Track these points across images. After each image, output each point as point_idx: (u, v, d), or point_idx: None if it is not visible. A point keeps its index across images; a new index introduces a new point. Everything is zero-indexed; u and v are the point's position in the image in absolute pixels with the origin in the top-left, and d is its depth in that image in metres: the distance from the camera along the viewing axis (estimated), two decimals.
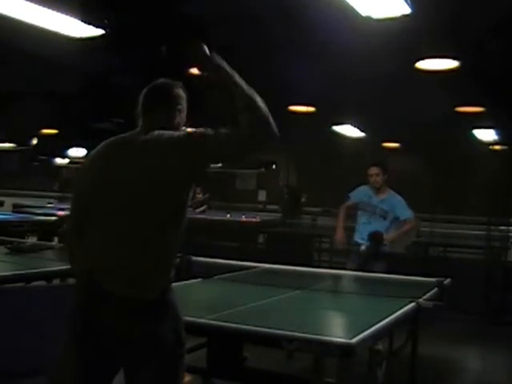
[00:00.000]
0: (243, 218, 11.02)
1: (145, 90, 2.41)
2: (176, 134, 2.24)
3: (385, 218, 5.59)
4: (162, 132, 2.23)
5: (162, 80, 2.43)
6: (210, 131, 2.15)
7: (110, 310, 2.10)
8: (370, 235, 5.46)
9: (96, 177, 2.27)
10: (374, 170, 5.68)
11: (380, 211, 5.61)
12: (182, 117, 2.41)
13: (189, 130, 2.30)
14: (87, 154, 2.38)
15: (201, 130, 2.18)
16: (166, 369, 2.15)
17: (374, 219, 5.61)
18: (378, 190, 5.69)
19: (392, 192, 5.73)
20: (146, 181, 2.14)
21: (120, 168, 2.21)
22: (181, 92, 2.42)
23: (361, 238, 5.60)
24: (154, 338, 2.11)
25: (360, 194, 5.78)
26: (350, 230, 5.82)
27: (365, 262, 5.35)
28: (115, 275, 2.11)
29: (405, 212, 5.64)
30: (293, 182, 14.11)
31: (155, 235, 2.13)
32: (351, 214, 5.95)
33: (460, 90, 7.82)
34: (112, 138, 2.34)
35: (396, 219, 5.62)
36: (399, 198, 5.69)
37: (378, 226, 5.56)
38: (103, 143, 2.34)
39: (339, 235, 5.68)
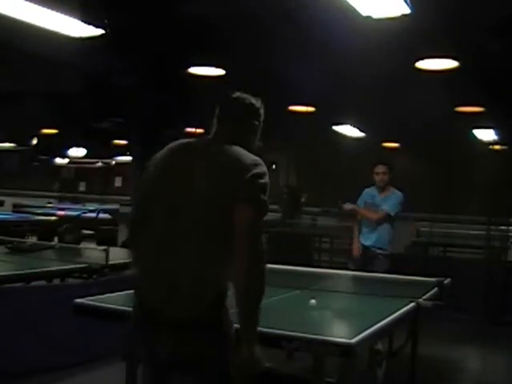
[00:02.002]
0: None
1: (223, 100, 2.37)
2: (242, 169, 2.10)
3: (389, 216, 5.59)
4: (231, 154, 2.15)
5: (241, 93, 2.37)
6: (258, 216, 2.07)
7: (158, 328, 2.06)
8: None
9: (157, 181, 2.22)
10: (381, 169, 5.66)
11: (382, 211, 5.59)
12: (257, 134, 2.37)
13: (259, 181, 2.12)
14: (152, 157, 2.33)
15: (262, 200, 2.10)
16: None
17: None
18: (382, 189, 5.68)
19: (394, 190, 5.72)
20: (199, 194, 2.09)
21: (180, 175, 2.17)
22: (260, 110, 2.37)
23: (364, 238, 5.60)
24: (199, 360, 2.04)
25: (364, 196, 5.78)
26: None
27: (365, 263, 5.35)
28: (163, 292, 2.05)
29: (391, 207, 5.60)
30: (293, 182, 14.11)
31: (204, 248, 2.05)
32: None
33: (460, 90, 7.82)
34: (178, 142, 2.30)
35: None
36: (398, 194, 5.68)
37: (384, 226, 5.55)
38: (169, 146, 2.30)
39: (355, 250, 5.68)
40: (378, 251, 5.51)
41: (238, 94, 2.36)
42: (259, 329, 2.14)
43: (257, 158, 2.17)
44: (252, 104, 2.34)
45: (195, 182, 2.10)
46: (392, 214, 5.56)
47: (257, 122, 2.36)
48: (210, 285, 2.05)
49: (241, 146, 2.20)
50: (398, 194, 5.67)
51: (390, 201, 5.59)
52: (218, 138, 2.27)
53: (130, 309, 2.36)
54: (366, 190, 5.81)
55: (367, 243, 5.58)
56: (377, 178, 5.67)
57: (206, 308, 2.03)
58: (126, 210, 8.14)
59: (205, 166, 2.13)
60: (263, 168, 2.15)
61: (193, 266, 2.04)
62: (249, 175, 2.07)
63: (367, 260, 5.45)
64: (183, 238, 2.06)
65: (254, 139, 2.36)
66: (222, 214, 2.04)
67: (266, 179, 2.13)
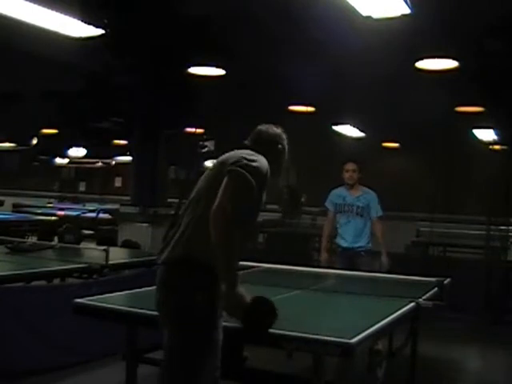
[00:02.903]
0: None
1: (259, 127, 2.76)
2: (233, 160, 2.42)
3: (362, 216, 5.55)
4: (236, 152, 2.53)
5: (274, 129, 2.76)
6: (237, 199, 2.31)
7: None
8: None
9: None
10: (350, 166, 5.59)
11: (357, 209, 5.57)
12: (274, 168, 2.58)
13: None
14: None
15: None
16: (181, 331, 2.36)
17: (352, 218, 5.54)
18: (351, 187, 5.60)
19: (365, 189, 5.67)
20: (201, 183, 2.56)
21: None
22: (281, 148, 2.75)
23: (343, 239, 5.56)
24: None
25: (334, 198, 5.69)
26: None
27: (351, 262, 5.30)
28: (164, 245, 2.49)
29: (378, 210, 5.60)
30: (293, 182, 14.11)
31: (193, 219, 2.43)
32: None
33: (460, 90, 7.82)
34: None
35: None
36: (373, 194, 5.64)
37: (357, 224, 5.53)
38: None
39: (323, 256, 5.64)
40: (361, 249, 5.49)
41: (271, 127, 2.76)
42: None
43: (263, 158, 2.50)
44: (276, 140, 2.73)
45: (208, 175, 2.55)
46: (381, 213, 5.58)
47: (273, 158, 2.63)
48: (187, 246, 2.39)
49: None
50: (373, 194, 5.64)
51: (370, 203, 5.56)
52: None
53: (130, 309, 2.37)
54: (334, 192, 5.73)
55: (346, 244, 5.52)
56: (346, 175, 5.60)
57: (178, 258, 2.38)
58: (126, 209, 8.13)
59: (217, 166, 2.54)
60: (262, 161, 2.45)
61: (181, 232, 2.44)
62: (241, 158, 2.39)
63: (350, 260, 5.40)
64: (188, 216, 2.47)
65: (277, 169, 2.68)
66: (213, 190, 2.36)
67: (258, 164, 2.40)
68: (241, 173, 2.32)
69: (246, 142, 2.71)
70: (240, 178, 2.32)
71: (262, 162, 2.46)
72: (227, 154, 2.53)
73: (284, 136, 2.77)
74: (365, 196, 5.60)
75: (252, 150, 2.57)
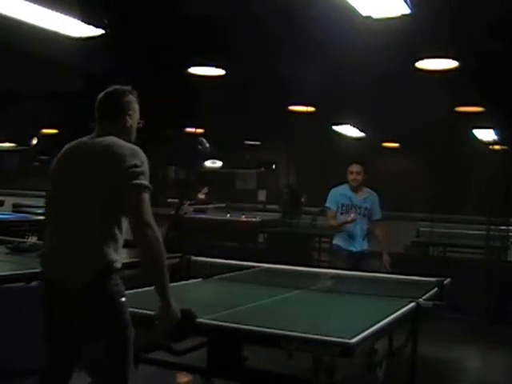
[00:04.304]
0: (243, 218, 11.02)
1: (98, 98, 2.60)
2: (114, 155, 2.38)
3: (367, 217, 5.53)
4: (111, 143, 2.43)
5: (112, 88, 2.61)
6: (142, 194, 2.34)
7: (52, 296, 2.39)
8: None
9: (54, 176, 2.57)
10: (355, 168, 5.53)
11: (364, 211, 5.52)
12: (134, 119, 2.62)
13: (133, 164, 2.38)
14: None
15: (139, 182, 2.34)
16: (102, 350, 2.30)
17: (359, 219, 5.49)
18: (356, 189, 5.55)
19: (369, 190, 5.65)
20: (84, 180, 2.41)
21: (70, 168, 2.50)
22: (131, 98, 2.61)
23: (351, 245, 5.47)
24: (88, 322, 2.30)
25: (337, 197, 5.59)
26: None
27: (357, 265, 5.26)
28: (53, 261, 2.40)
29: (378, 212, 5.59)
30: (293, 181, 14.11)
31: (86, 226, 2.37)
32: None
33: (460, 89, 7.83)
34: (72, 142, 2.59)
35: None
36: (376, 196, 5.63)
37: (363, 225, 5.51)
38: (65, 146, 2.60)
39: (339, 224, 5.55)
40: (366, 251, 5.49)
41: (108, 89, 2.60)
42: (259, 328, 2.27)
43: (133, 147, 2.45)
44: (123, 95, 2.59)
45: (79, 173, 2.44)
46: (380, 216, 5.57)
47: (130, 112, 2.60)
48: (91, 259, 2.33)
49: (118, 136, 2.49)
50: (375, 195, 5.63)
51: (373, 205, 5.55)
52: (100, 131, 2.54)
53: (130, 309, 2.37)
54: (336, 190, 5.63)
55: (356, 249, 5.49)
56: (350, 177, 5.54)
57: (90, 277, 2.29)
58: None
59: (86, 159, 2.44)
60: (140, 155, 2.42)
61: (77, 245, 2.36)
62: (127, 165, 2.35)
63: (357, 263, 5.37)
64: (70, 224, 2.41)
65: (133, 125, 2.62)
66: (101, 200, 2.37)
67: (144, 166, 2.40)
68: (140, 186, 2.34)
69: (97, 127, 2.57)
70: (141, 190, 2.34)
71: (137, 154, 2.41)
72: (103, 149, 2.43)
73: (121, 90, 2.61)
74: (370, 197, 5.58)
75: (110, 124, 2.53)
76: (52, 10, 4.92)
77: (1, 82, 9.18)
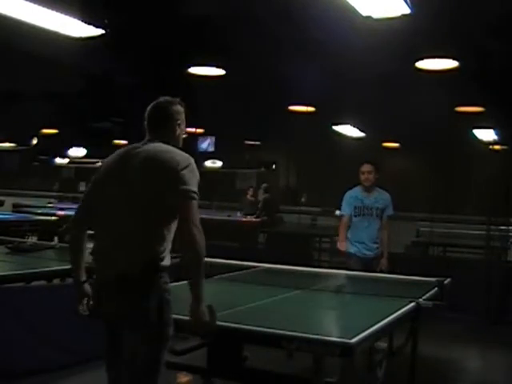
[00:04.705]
0: (243, 218, 11.02)
1: (148, 109, 2.74)
2: (169, 162, 2.48)
3: (379, 217, 5.52)
4: (160, 151, 2.55)
5: (162, 99, 2.75)
6: (192, 202, 2.43)
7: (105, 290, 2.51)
8: None
9: (102, 180, 2.64)
10: (367, 168, 5.51)
11: (376, 211, 5.51)
12: (182, 128, 2.76)
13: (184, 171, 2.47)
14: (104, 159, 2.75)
15: (190, 192, 2.43)
16: (143, 342, 2.41)
17: (372, 220, 5.49)
18: (368, 189, 5.53)
19: (380, 190, 5.63)
20: (131, 188, 2.51)
21: (123, 172, 2.56)
22: (179, 108, 2.75)
23: (365, 248, 5.46)
24: (135, 312, 2.42)
25: (351, 200, 5.56)
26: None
27: (367, 267, 5.25)
28: (107, 259, 2.51)
29: (391, 210, 5.58)
30: (293, 181, 14.13)
31: (137, 226, 2.47)
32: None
33: (460, 89, 7.83)
34: (124, 147, 2.71)
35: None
36: (388, 194, 5.61)
37: (376, 226, 5.49)
38: (117, 150, 2.71)
39: (342, 246, 5.53)
40: (378, 253, 5.49)
41: (158, 100, 2.75)
42: (259, 328, 2.31)
43: (184, 154, 2.55)
44: (171, 105, 2.73)
45: (132, 176, 2.52)
46: (392, 213, 5.56)
47: (179, 121, 2.73)
48: (140, 253, 2.45)
49: (167, 143, 2.62)
50: (387, 194, 5.61)
51: (385, 202, 5.53)
52: (151, 140, 2.66)
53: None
54: (350, 194, 5.61)
55: (371, 253, 5.48)
56: (362, 177, 5.51)
57: (138, 269, 2.41)
58: None
59: (140, 165, 2.53)
60: (191, 161, 2.52)
61: (127, 242, 2.47)
62: (179, 169, 2.45)
63: (367, 265, 5.36)
64: (121, 223, 2.50)
65: (181, 133, 2.75)
66: (153, 204, 2.46)
67: (195, 172, 2.50)
68: (192, 197, 2.43)
69: (147, 134, 2.69)
70: (193, 201, 2.43)
71: (192, 162, 2.51)
72: (157, 156, 2.53)
73: (171, 100, 2.75)
74: (382, 197, 5.56)
75: (162, 142, 2.61)
76: (52, 9, 4.92)
77: (1, 82, 9.18)
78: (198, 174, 2.51)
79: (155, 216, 2.47)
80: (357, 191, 5.60)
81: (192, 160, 2.53)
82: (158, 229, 2.47)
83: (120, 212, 2.52)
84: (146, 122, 2.71)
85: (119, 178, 2.56)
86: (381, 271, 5.32)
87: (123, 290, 2.43)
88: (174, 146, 2.62)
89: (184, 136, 2.77)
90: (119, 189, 2.54)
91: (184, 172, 2.45)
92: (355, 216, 5.52)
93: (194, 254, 2.37)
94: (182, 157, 2.52)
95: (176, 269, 2.59)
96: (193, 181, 2.46)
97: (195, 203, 2.44)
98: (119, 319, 2.50)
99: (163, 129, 2.68)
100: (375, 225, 5.49)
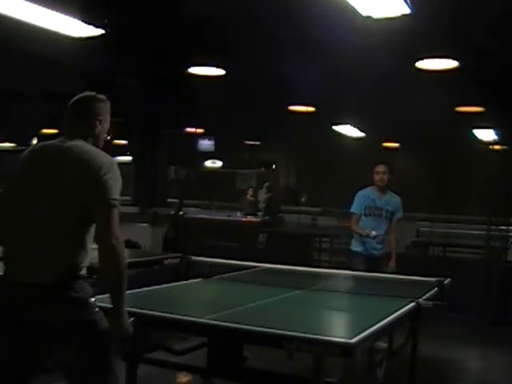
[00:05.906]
0: (243, 218, 11.02)
1: (69, 103, 2.57)
2: (92, 164, 2.33)
3: (388, 219, 5.51)
4: (81, 149, 2.39)
5: (84, 93, 2.58)
6: (113, 205, 2.30)
7: (18, 300, 2.30)
8: None
9: (17, 177, 2.49)
10: (381, 168, 5.47)
11: (386, 213, 5.49)
12: (104, 127, 2.57)
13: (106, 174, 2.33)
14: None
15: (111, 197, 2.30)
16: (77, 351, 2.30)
17: (381, 221, 5.46)
18: (381, 189, 5.50)
19: (392, 193, 5.62)
20: (48, 185, 2.35)
21: (39, 170, 2.42)
22: (101, 104, 2.57)
23: (373, 249, 5.41)
24: (61, 322, 2.27)
25: (363, 199, 5.54)
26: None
27: (373, 267, 5.23)
28: (18, 263, 2.34)
29: (401, 213, 5.58)
30: (293, 181, 14.13)
31: (53, 230, 2.31)
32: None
33: (460, 90, 7.83)
34: (40, 144, 2.54)
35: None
36: (399, 198, 5.60)
37: (385, 227, 5.48)
38: (32, 147, 2.56)
39: (366, 232, 5.43)
40: (385, 254, 5.49)
41: (79, 94, 2.58)
42: (259, 328, 2.28)
43: (107, 156, 2.40)
44: (93, 101, 2.56)
45: (49, 177, 2.37)
46: (401, 215, 5.56)
47: (100, 117, 2.55)
48: (56, 260, 2.30)
49: (86, 140, 2.46)
50: (398, 198, 5.59)
51: (395, 205, 5.51)
52: (69, 135, 2.48)
53: (130, 309, 2.38)
54: (362, 193, 5.58)
55: (378, 254, 5.47)
56: (376, 177, 5.49)
57: (55, 276, 2.26)
58: (126, 209, 8.15)
59: (57, 163, 2.38)
60: (114, 165, 2.37)
61: (43, 248, 2.31)
62: (102, 174, 2.31)
63: (374, 265, 5.35)
64: (35, 226, 2.34)
65: (102, 131, 2.56)
66: (71, 205, 2.32)
67: (118, 176, 2.37)
68: (113, 204, 2.31)
69: (65, 128, 2.52)
70: (113, 209, 2.31)
71: (113, 166, 2.37)
72: (76, 157, 2.37)
73: (94, 95, 2.58)
74: (393, 199, 5.53)
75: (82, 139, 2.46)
76: (52, 9, 4.92)
77: (1, 82, 9.19)
78: (120, 177, 2.37)
79: (73, 220, 2.32)
80: (369, 191, 5.57)
81: (115, 162, 2.39)
82: (77, 235, 2.33)
83: (36, 214, 2.35)
84: (64, 117, 2.54)
85: (33, 177, 2.41)
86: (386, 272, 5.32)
87: (42, 302, 2.27)
88: (94, 144, 2.47)
89: (106, 137, 2.60)
90: (32, 189, 2.38)
91: (106, 178, 2.30)
92: (365, 215, 5.50)
93: (113, 270, 2.28)
94: (105, 159, 2.37)
95: (176, 269, 2.55)
96: (115, 187, 2.32)
97: (116, 211, 2.30)
98: (43, 331, 2.31)
99: (82, 126, 2.50)
100: (383, 226, 5.47)
